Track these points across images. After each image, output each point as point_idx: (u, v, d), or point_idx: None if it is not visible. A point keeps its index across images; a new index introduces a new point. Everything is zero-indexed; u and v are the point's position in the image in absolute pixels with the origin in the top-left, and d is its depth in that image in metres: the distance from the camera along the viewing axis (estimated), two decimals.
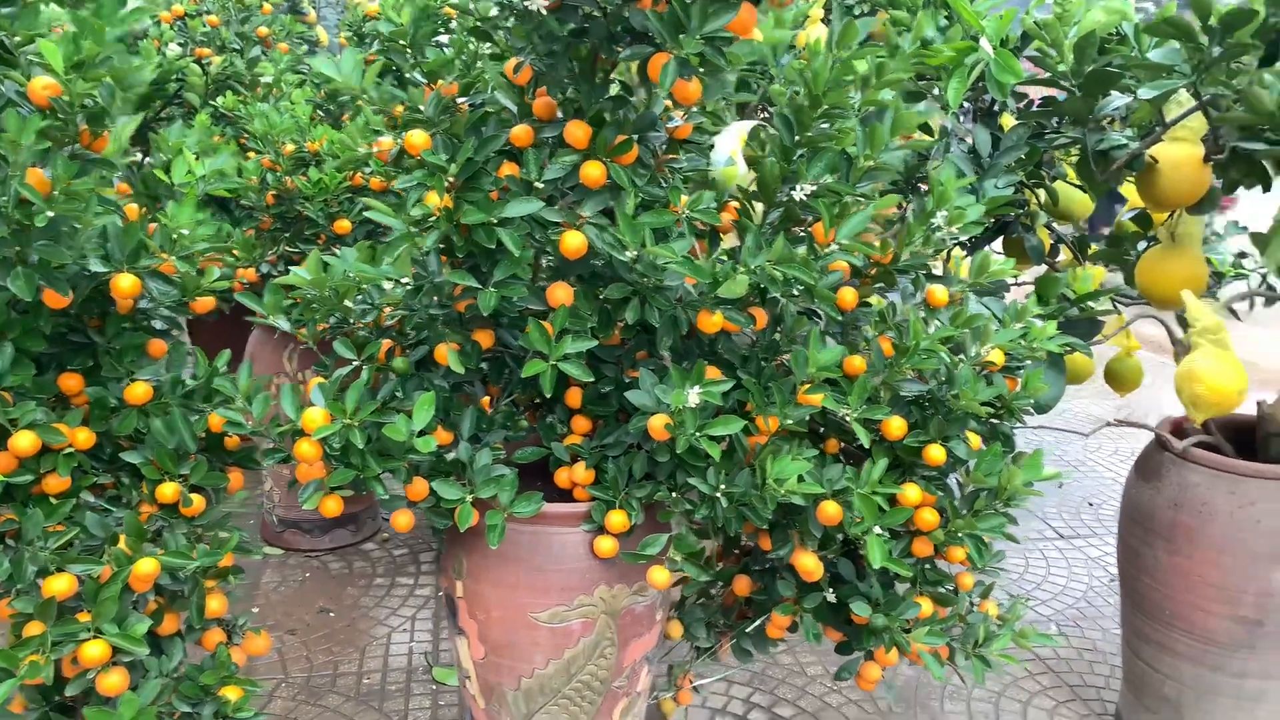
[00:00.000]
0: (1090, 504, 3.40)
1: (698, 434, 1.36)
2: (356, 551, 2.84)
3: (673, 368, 1.36)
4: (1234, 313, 2.58)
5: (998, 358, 1.60)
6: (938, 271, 1.78)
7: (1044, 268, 3.01)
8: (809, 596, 1.65)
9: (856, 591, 1.62)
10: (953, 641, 1.70)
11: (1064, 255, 3.03)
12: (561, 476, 1.58)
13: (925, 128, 2.91)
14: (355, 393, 1.37)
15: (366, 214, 1.36)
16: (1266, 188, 2.10)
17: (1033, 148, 2.42)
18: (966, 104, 2.90)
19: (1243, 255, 2.90)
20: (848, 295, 1.65)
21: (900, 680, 2.32)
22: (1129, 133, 2.38)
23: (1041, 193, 2.79)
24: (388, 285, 1.43)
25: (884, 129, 1.49)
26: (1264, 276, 2.87)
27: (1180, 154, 2.16)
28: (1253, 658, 1.87)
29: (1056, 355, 1.85)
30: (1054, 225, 2.93)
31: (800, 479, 1.40)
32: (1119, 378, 2.92)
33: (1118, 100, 2.19)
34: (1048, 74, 2.32)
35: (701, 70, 1.30)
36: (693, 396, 1.34)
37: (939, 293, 1.67)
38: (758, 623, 1.75)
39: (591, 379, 1.37)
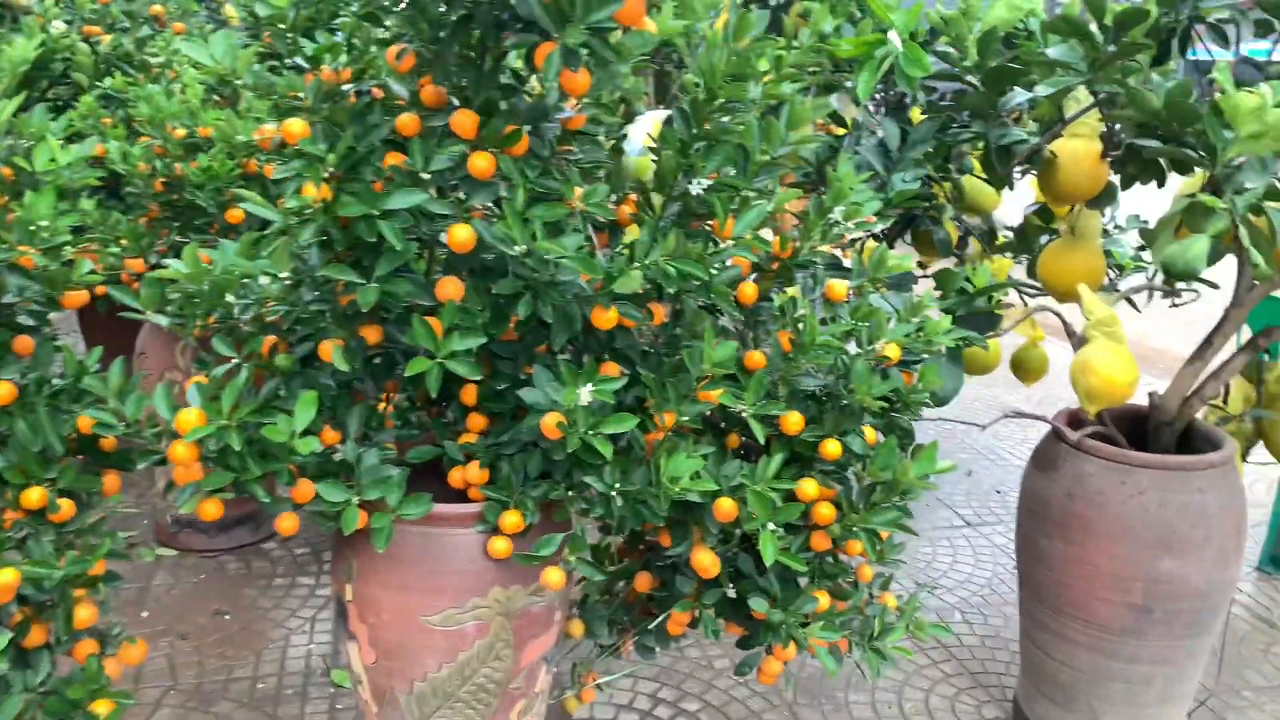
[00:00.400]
0: (998, 491, 3.46)
1: (590, 433, 1.34)
2: (256, 551, 2.75)
3: (563, 366, 1.33)
4: (1133, 303, 2.64)
5: (893, 352, 1.61)
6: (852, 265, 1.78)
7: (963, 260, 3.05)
8: (709, 593, 1.64)
9: (756, 587, 1.61)
10: (851, 634, 1.71)
11: (974, 247, 3.08)
12: (455, 476, 1.54)
13: (841, 120, 2.92)
14: (232, 392, 1.31)
15: (241, 205, 1.30)
16: (1161, 184, 2.14)
17: (940, 142, 2.44)
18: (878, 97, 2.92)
19: (1143, 248, 2.97)
20: (748, 290, 1.64)
21: (806, 672, 2.34)
22: (1033, 128, 2.41)
23: (948, 186, 2.82)
24: (265, 280, 1.37)
25: (779, 123, 1.48)
26: None
27: (1079, 149, 2.19)
28: (1143, 644, 1.92)
29: (955, 348, 1.87)
30: (963, 218, 2.97)
31: (694, 476, 1.38)
32: (1025, 367, 2.97)
33: (1020, 96, 2.21)
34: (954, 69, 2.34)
35: (590, 60, 1.27)
36: (585, 395, 1.31)
37: (838, 287, 1.66)
38: (660, 619, 1.73)
39: (479, 378, 1.34)
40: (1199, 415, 2.18)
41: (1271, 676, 2.42)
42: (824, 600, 1.62)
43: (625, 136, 3.36)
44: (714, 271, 1.42)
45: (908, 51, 2.31)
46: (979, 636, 2.52)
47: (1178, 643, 1.92)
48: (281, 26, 1.39)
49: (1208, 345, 2.06)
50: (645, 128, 3.39)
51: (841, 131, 2.77)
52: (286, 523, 1.45)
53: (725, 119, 1.50)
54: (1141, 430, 2.12)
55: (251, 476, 1.34)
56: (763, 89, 1.59)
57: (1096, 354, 1.92)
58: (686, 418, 1.41)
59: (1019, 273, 2.94)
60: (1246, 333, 2.34)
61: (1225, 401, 2.28)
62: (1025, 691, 2.15)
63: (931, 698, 2.26)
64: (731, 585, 1.65)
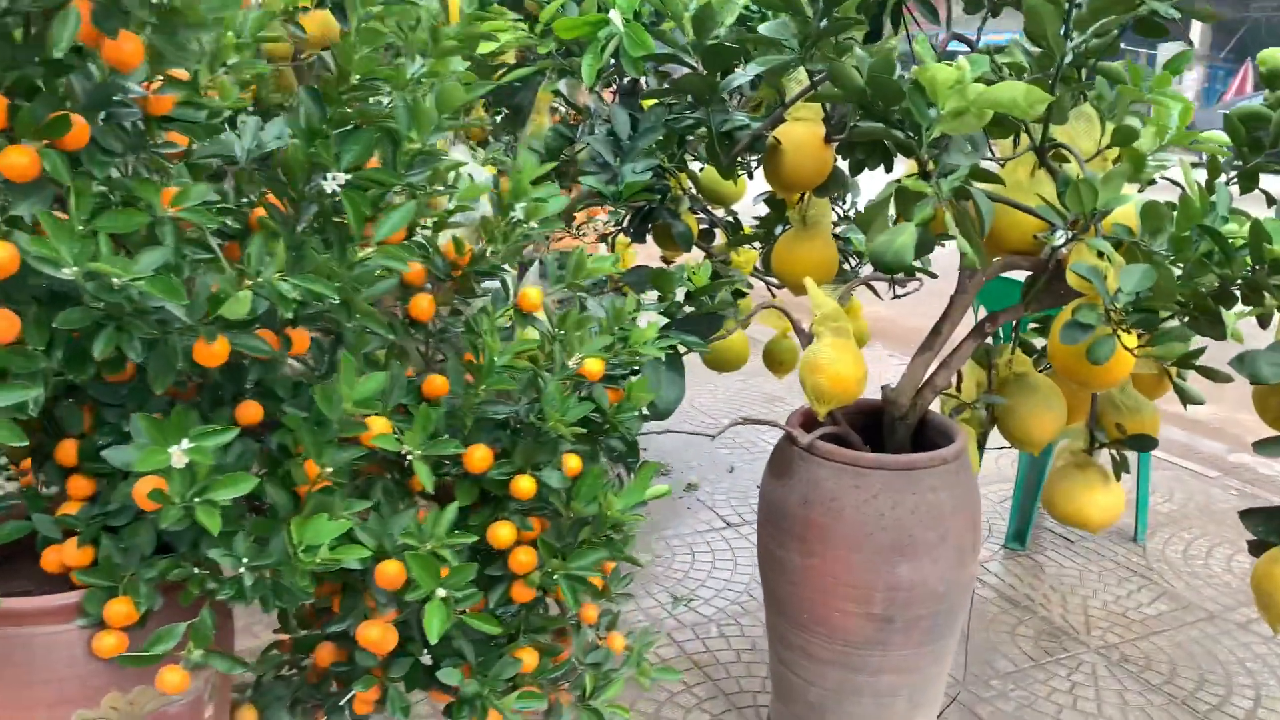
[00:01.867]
0: (759, 488, 3.38)
1: (196, 499, 1.05)
2: None
3: (140, 419, 1.04)
4: (874, 290, 2.59)
5: (594, 367, 1.40)
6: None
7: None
8: (396, 663, 1.39)
9: (452, 651, 1.38)
10: (570, 688, 1.50)
11: (720, 240, 2.95)
12: (49, 558, 1.22)
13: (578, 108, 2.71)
14: None
15: None
16: (889, 168, 2.06)
17: (670, 129, 2.28)
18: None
19: None
20: (422, 304, 1.40)
21: None
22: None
23: (684, 176, 2.68)
24: None
25: (430, 106, 1.24)
26: None
27: (801, 134, 2.08)
28: (886, 655, 1.82)
29: (675, 354, 1.70)
30: (709, 209, 2.84)
31: (341, 540, 1.12)
32: (777, 359, 2.88)
33: (741, 77, 2.07)
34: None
35: (151, 26, 0.98)
36: (177, 455, 1.03)
37: (532, 295, 1.45)
38: (347, 697, 1.47)
39: (26, 442, 1.02)
40: (934, 405, 2.12)
41: (1018, 660, 2.41)
42: (530, 658, 1.40)
43: None
44: (357, 287, 1.17)
45: (630, 31, 2.12)
46: (735, 651, 2.39)
47: (920, 649, 1.83)
48: None
49: (936, 334, 2.00)
50: None
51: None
52: None
53: (372, 100, 1.25)
54: (880, 426, 2.03)
55: None
56: (427, 66, 1.35)
57: (823, 351, 1.80)
58: (330, 468, 1.15)
59: None
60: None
61: (959, 389, 2.23)
62: (777, 712, 2.03)
63: None
64: (427, 651, 1.40)
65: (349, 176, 1.19)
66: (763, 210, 2.59)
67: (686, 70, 2.18)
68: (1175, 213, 1.73)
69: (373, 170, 1.21)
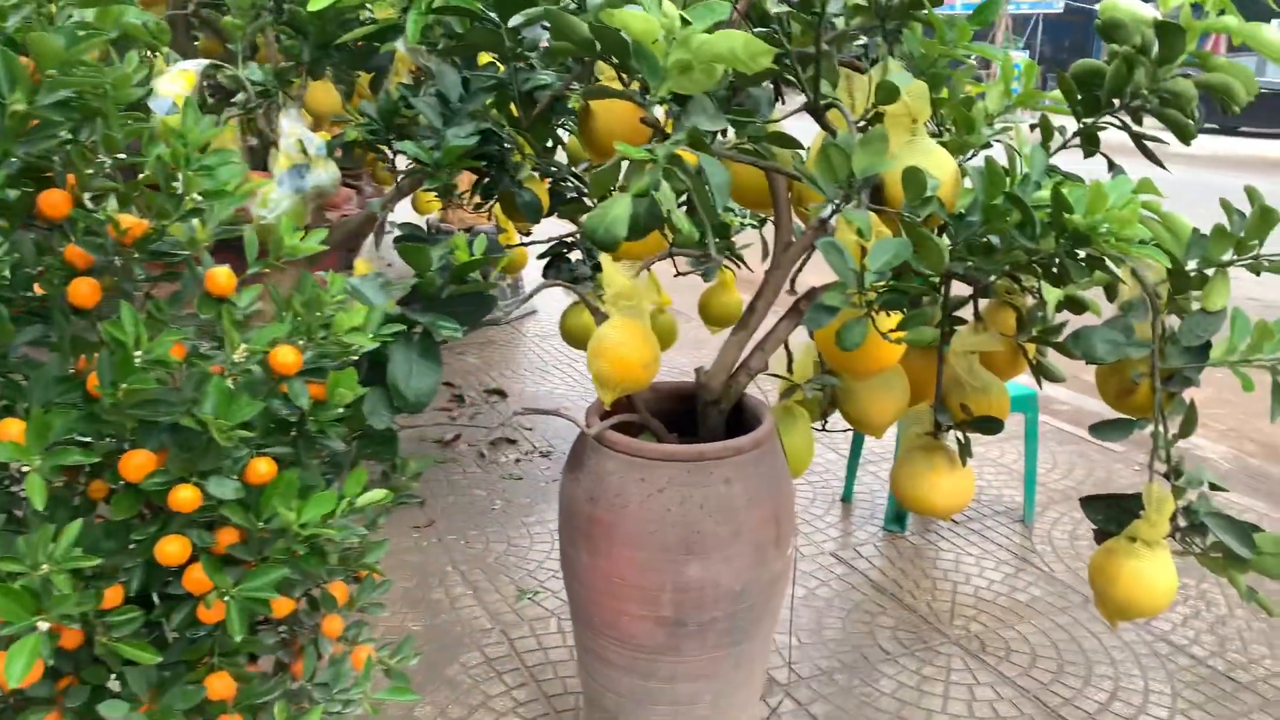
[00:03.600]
0: None
1: None
2: None
3: None
4: (742, 260, 2.44)
5: (288, 358, 1.24)
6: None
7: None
8: (72, 692, 1.24)
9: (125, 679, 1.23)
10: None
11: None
12: None
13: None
14: None
15: None
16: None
17: (501, 90, 2.11)
18: None
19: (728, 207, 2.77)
20: (82, 290, 1.23)
21: None
22: None
23: (524, 141, 2.50)
24: None
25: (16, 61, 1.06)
26: (760, 223, 2.76)
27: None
28: (680, 660, 1.69)
29: (427, 339, 1.53)
30: (576, 175, 2.67)
31: None
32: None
33: (539, 30, 1.90)
34: None
35: None
36: None
37: (220, 278, 1.28)
38: None
39: None
40: (770, 388, 1.98)
41: (871, 653, 2.29)
42: (221, 685, 1.25)
43: (151, 92, 2.83)
44: None
45: None
46: (570, 649, 2.26)
47: (718, 654, 1.70)
48: None
49: (751, 312, 1.85)
50: (177, 80, 2.86)
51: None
52: None
53: None
54: (693, 411, 1.89)
55: None
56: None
57: (607, 334, 1.64)
58: None
59: None
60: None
61: (790, 369, 2.09)
62: (587, 718, 1.89)
63: None
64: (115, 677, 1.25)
65: None
66: None
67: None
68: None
69: None
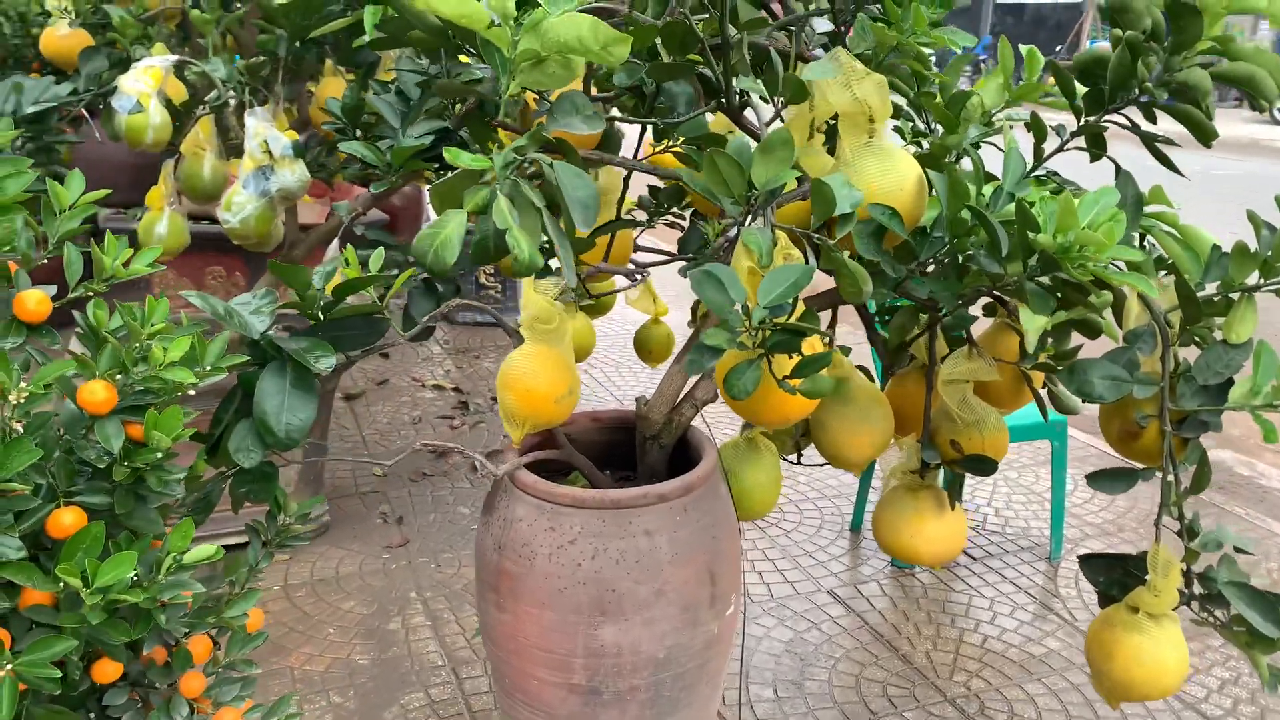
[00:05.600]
0: None
1: None
2: None
3: None
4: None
5: (99, 395, 1.09)
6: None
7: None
8: None
9: None
10: None
11: None
12: None
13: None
14: None
15: None
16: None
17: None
18: None
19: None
20: None
21: None
22: None
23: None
24: None
25: None
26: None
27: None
28: None
29: (303, 370, 1.36)
30: None
31: None
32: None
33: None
34: None
35: None
36: None
37: (29, 301, 1.13)
38: None
39: None
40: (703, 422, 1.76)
41: (855, 711, 2.05)
42: None
43: (114, 90, 2.71)
44: None
45: None
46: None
47: None
48: None
49: (696, 335, 1.64)
50: (142, 78, 2.74)
51: None
52: None
53: None
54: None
55: None
56: None
57: (516, 362, 1.45)
58: None
59: None
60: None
61: None
62: None
63: None
64: None
65: None
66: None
67: None
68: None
69: None
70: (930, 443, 1.80)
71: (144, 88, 2.57)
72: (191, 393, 1.17)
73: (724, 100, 1.20)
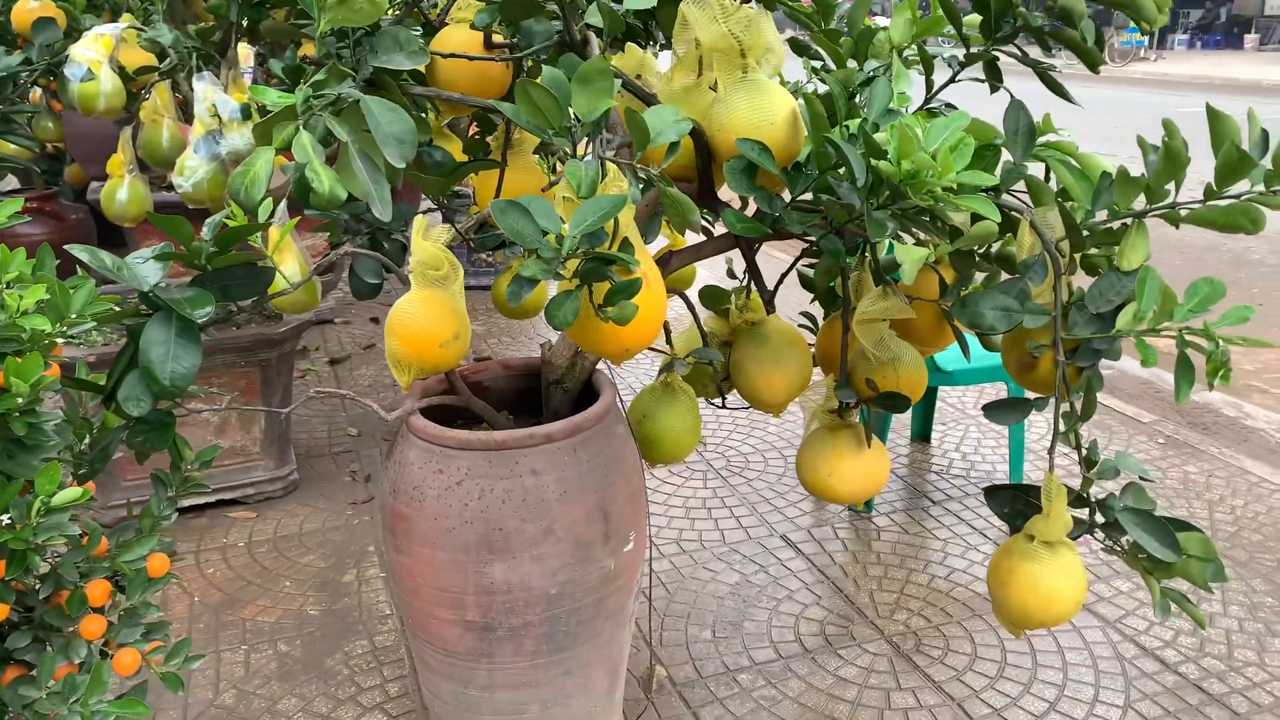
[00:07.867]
0: None
1: None
2: None
3: None
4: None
5: None
6: None
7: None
8: None
9: None
10: None
11: None
12: None
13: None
14: None
15: None
16: None
17: None
18: None
19: None
20: None
21: None
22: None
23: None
24: None
25: None
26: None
27: (459, 39, 1.73)
28: (495, 669, 1.53)
29: (185, 320, 1.39)
30: None
31: None
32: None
33: None
34: None
35: None
36: None
37: None
38: None
39: None
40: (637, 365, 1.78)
41: (789, 649, 2.08)
42: None
43: (66, 59, 2.75)
44: None
45: None
46: None
47: (539, 662, 1.53)
48: None
49: None
50: (91, 48, 2.78)
51: None
52: None
53: None
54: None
55: None
56: None
57: (403, 307, 1.48)
58: None
59: None
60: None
61: (669, 342, 1.88)
62: None
63: None
64: None
65: None
66: None
67: None
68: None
69: None
70: (847, 382, 1.80)
71: (95, 55, 2.61)
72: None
73: (568, 37, 1.20)
